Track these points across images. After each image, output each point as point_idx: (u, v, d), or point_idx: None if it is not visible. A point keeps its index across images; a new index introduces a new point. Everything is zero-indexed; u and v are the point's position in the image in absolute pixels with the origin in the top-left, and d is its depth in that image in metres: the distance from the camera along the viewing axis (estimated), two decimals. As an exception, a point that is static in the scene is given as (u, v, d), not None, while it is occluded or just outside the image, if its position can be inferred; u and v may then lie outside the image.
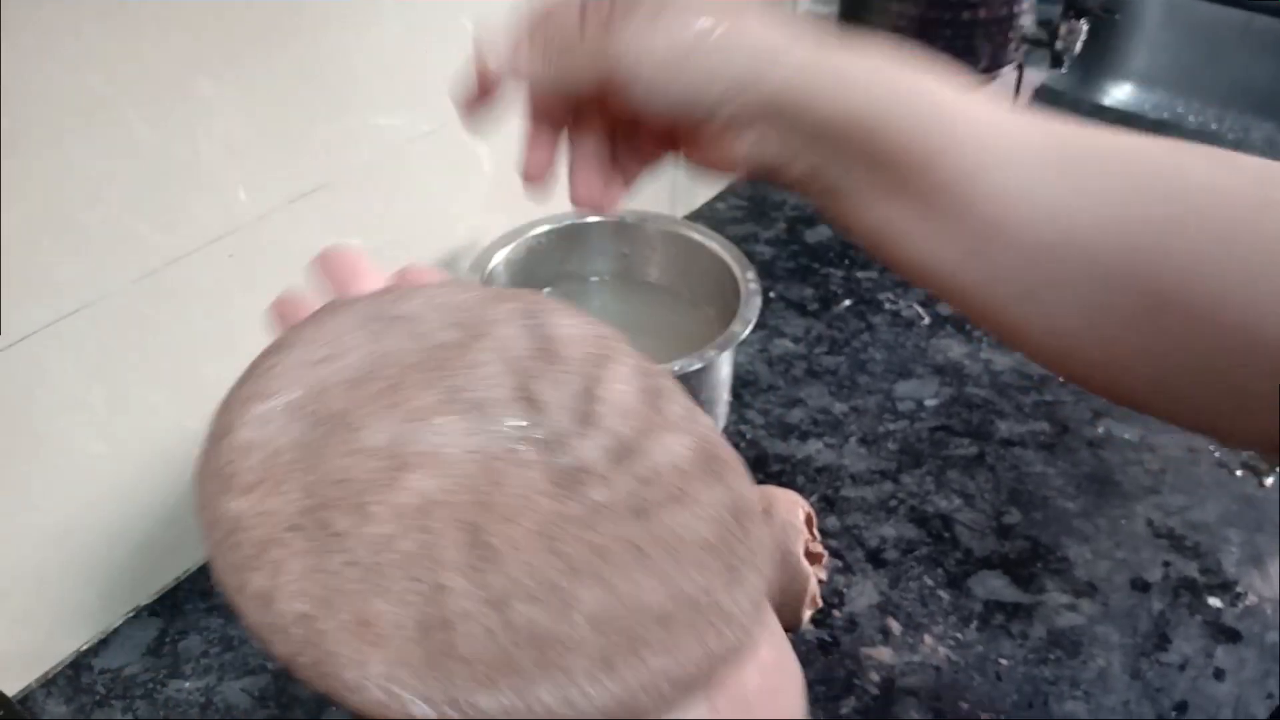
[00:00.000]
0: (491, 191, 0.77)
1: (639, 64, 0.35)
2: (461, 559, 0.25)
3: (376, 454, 0.27)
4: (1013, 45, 0.93)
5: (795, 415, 0.79)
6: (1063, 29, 0.95)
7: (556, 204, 0.83)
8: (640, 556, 0.26)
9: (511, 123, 0.75)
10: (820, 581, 0.64)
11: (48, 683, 0.59)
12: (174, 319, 0.58)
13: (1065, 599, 0.66)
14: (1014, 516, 0.71)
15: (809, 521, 0.62)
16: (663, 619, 0.24)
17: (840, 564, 0.67)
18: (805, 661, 0.61)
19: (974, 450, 0.76)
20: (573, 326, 0.31)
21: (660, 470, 0.28)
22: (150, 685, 0.59)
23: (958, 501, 0.72)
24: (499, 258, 0.75)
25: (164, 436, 0.61)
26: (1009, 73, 0.97)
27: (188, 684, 0.59)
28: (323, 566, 0.24)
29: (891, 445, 0.77)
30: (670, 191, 0.98)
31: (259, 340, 0.63)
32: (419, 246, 0.73)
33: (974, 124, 0.35)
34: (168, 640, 0.61)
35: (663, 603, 0.25)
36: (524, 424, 0.29)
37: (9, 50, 0.46)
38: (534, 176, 0.42)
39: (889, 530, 0.70)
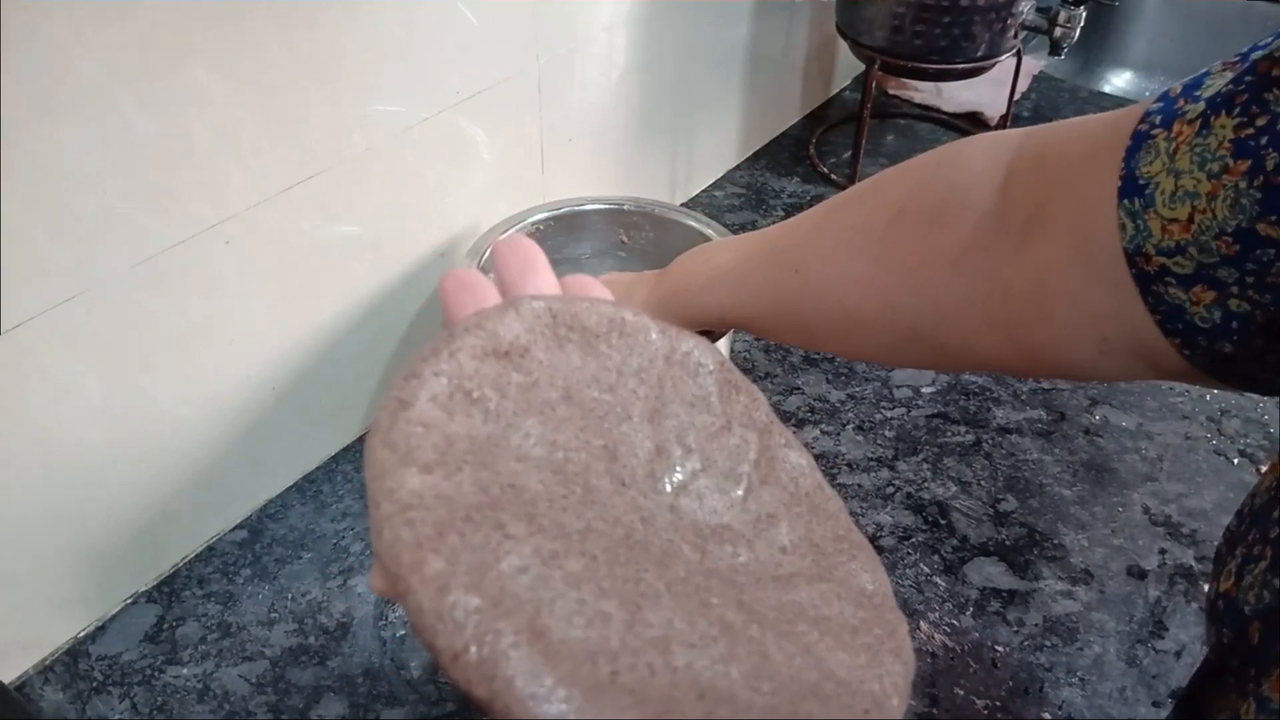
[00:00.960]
0: (490, 178, 0.77)
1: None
2: (622, 591, 0.25)
3: (542, 465, 0.27)
4: (1011, 33, 0.93)
5: (793, 403, 0.79)
6: (1062, 16, 0.95)
7: (554, 191, 0.83)
8: (788, 625, 0.26)
9: (509, 111, 0.75)
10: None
11: (45, 669, 0.59)
12: (170, 306, 0.58)
13: (1061, 586, 0.66)
14: (1010, 504, 0.71)
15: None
16: (818, 693, 0.24)
17: (837, 551, 0.67)
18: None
19: (970, 438, 0.76)
20: (728, 382, 0.32)
21: (798, 544, 0.29)
22: (148, 672, 0.59)
23: (954, 489, 0.72)
24: (496, 245, 0.75)
25: (160, 423, 0.61)
26: (1008, 60, 0.96)
27: (185, 670, 0.59)
28: (495, 566, 0.23)
29: (888, 433, 0.77)
30: (669, 178, 0.98)
31: (255, 327, 0.63)
32: (417, 233, 0.73)
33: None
34: (165, 627, 0.62)
35: (816, 678, 0.25)
36: (677, 470, 0.29)
37: (5, 39, 0.45)
38: None
39: (885, 517, 0.70)
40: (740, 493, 0.30)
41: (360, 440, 0.74)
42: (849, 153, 1.07)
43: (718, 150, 1.04)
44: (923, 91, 1.19)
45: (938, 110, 1.18)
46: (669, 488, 0.29)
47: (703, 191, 1.03)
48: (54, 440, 0.56)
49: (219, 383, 0.63)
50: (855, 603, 0.28)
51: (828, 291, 0.44)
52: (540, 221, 0.78)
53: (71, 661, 0.59)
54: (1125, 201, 0.33)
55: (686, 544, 0.27)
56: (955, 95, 1.18)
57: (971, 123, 1.15)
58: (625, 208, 0.80)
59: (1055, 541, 0.69)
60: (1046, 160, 0.38)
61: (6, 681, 0.58)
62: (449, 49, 0.68)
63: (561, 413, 0.28)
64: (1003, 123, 1.05)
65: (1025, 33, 0.95)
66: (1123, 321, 0.34)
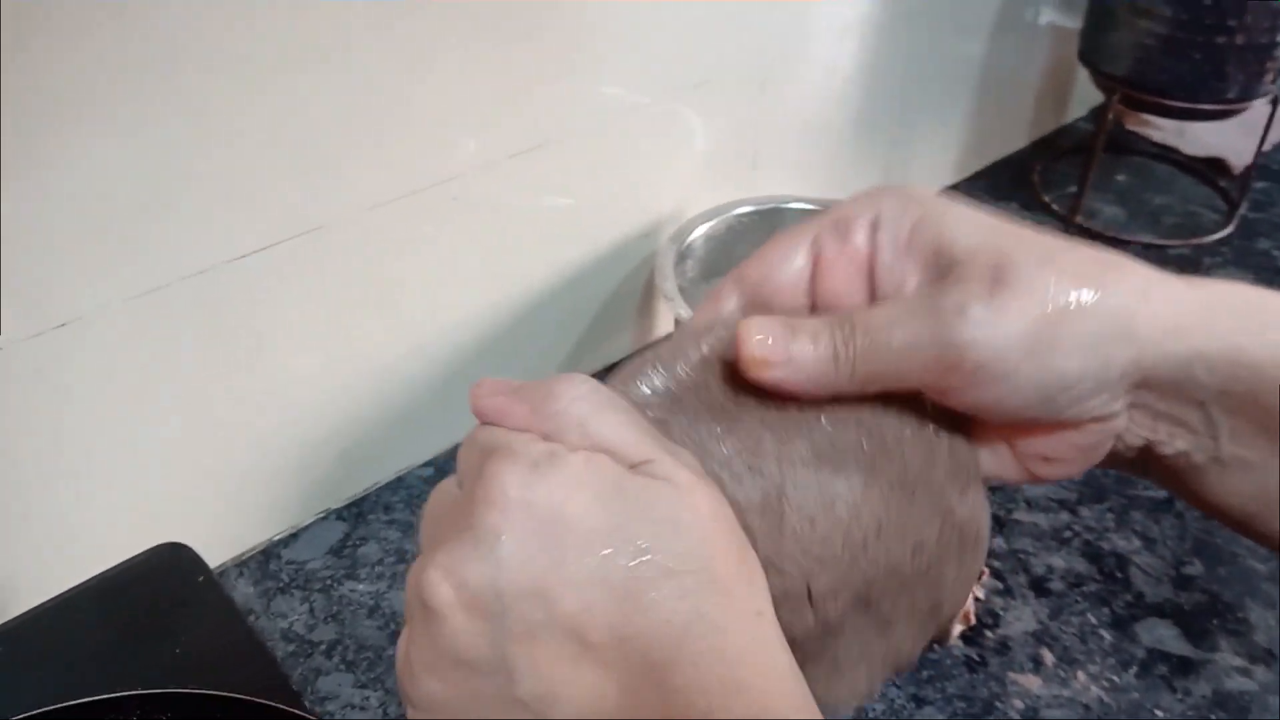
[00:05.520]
0: (701, 167, 0.78)
1: (996, 358, 0.29)
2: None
3: None
4: (1269, 76, 0.88)
5: (975, 429, 0.77)
6: (1331, 63, 0.88)
7: (764, 186, 0.84)
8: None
9: (730, 104, 0.77)
10: (976, 599, 0.63)
11: (241, 564, 0.65)
12: (394, 251, 0.62)
13: (1239, 661, 0.62)
14: (1196, 568, 0.68)
15: (973, 535, 0.61)
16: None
17: (1001, 586, 0.66)
18: (948, 676, 0.60)
19: (1164, 495, 0.73)
20: None
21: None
22: (329, 581, 0.64)
23: (1137, 543, 0.69)
24: (700, 232, 0.76)
25: (370, 359, 0.66)
26: (1261, 105, 0.91)
27: (361, 586, 0.64)
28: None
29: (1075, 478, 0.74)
30: (882, 180, 0.97)
31: (466, 281, 0.67)
32: (625, 212, 0.75)
33: None
34: (349, 544, 0.66)
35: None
36: None
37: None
38: None
39: (1058, 560, 0.68)
40: None
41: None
42: (1075, 186, 1.03)
43: (935, 166, 1.03)
44: (1163, 130, 1.13)
45: (1177, 151, 1.12)
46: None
47: (912, 206, 1.02)
48: (275, 363, 0.61)
49: (427, 328, 0.68)
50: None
51: None
52: (744, 214, 0.79)
53: (264, 561, 0.65)
54: None
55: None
56: (1199, 137, 1.11)
57: (1214, 169, 1.09)
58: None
59: (1239, 615, 0.65)
60: None
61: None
62: (680, 37, 0.70)
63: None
64: (1248, 173, 0.99)
65: (1287, 78, 0.89)
66: None
